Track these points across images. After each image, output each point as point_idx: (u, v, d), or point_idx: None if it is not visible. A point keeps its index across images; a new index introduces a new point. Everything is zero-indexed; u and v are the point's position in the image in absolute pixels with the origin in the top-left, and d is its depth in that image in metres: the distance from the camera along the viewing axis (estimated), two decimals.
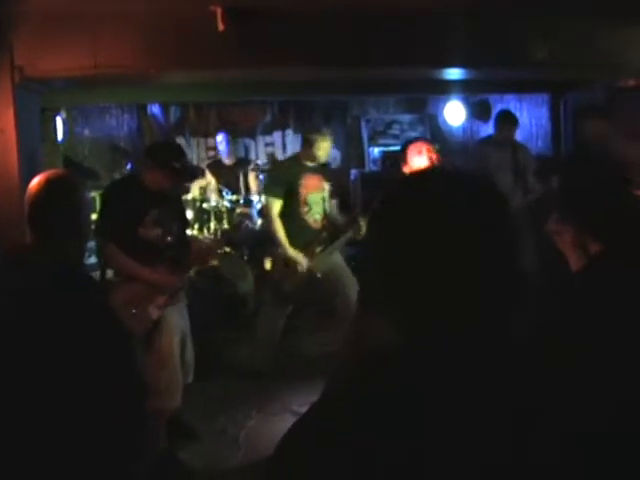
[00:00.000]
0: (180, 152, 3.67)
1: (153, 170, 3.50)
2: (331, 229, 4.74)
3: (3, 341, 1.90)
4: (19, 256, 2.15)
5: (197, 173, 3.96)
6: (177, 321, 3.58)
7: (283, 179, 4.57)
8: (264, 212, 4.95)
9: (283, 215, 4.53)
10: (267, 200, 4.63)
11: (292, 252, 4.49)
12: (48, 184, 2.16)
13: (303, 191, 4.55)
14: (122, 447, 1.95)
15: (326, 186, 4.69)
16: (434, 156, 3.79)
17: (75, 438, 1.85)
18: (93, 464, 1.87)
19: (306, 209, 4.59)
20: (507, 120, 5.75)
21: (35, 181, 2.17)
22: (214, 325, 5.28)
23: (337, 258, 4.73)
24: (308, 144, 4.54)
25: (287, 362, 4.87)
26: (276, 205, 4.51)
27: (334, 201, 4.80)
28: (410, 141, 4.07)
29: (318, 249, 4.62)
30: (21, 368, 1.88)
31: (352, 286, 4.58)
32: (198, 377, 3.99)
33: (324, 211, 4.70)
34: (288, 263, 4.50)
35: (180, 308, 3.69)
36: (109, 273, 3.69)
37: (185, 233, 4.05)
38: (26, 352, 1.88)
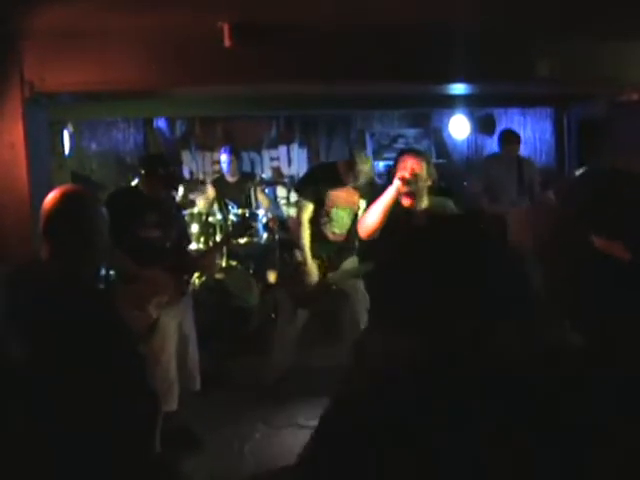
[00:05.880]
0: (164, 161, 4.07)
1: (144, 177, 3.90)
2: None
3: (17, 349, 1.95)
4: (33, 267, 2.20)
5: (182, 179, 4.37)
6: (174, 323, 3.71)
7: (315, 183, 4.45)
8: (296, 215, 4.66)
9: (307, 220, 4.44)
10: (299, 202, 4.56)
11: (310, 261, 4.41)
12: (64, 198, 2.22)
13: (329, 203, 4.43)
14: (124, 451, 1.98)
15: (362, 204, 4.38)
16: (419, 173, 3.59)
17: (80, 442, 1.88)
18: (94, 466, 1.90)
19: (325, 220, 4.47)
20: (509, 139, 5.92)
21: (51, 195, 2.24)
22: (219, 338, 5.29)
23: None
24: (348, 165, 4.32)
25: (293, 375, 4.87)
26: (307, 208, 4.42)
27: None
28: (404, 152, 3.88)
29: (345, 262, 4.55)
30: (31, 373, 1.92)
31: (362, 301, 4.48)
32: (203, 390, 4.01)
33: (352, 226, 4.46)
34: (301, 269, 4.41)
35: (182, 311, 3.83)
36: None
37: (185, 238, 4.23)
38: (36, 357, 1.92)
